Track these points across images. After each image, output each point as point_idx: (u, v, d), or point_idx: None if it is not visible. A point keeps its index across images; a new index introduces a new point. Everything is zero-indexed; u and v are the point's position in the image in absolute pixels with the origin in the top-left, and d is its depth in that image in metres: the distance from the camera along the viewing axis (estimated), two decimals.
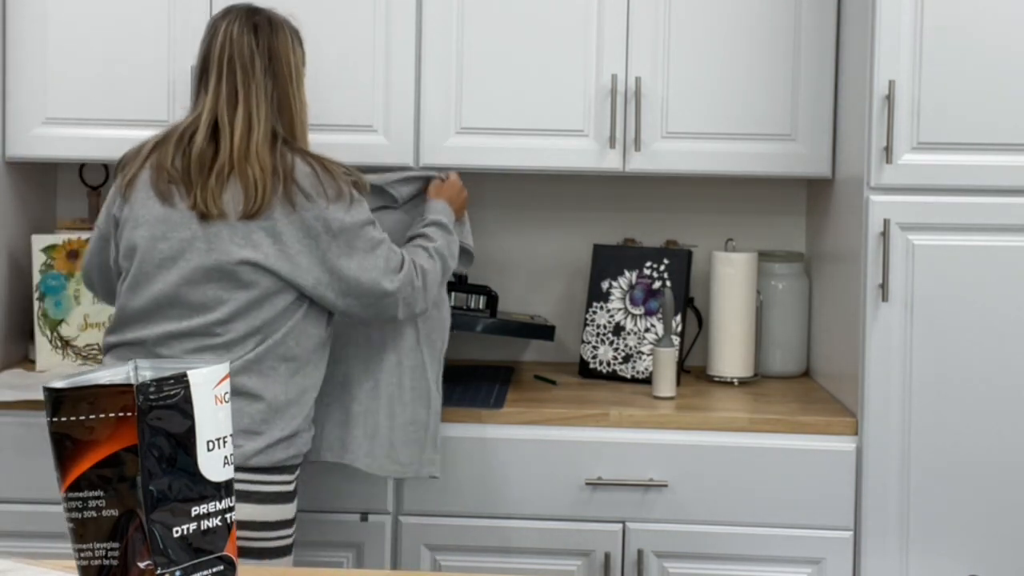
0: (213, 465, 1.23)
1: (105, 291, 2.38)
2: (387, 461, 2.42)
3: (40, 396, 1.20)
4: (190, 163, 2.16)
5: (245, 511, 2.09)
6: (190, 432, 1.21)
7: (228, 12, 2.27)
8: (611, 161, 2.78)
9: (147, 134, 2.80)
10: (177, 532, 1.20)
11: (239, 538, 2.09)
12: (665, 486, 2.53)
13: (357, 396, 2.42)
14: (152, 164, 2.20)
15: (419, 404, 2.43)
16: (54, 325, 2.88)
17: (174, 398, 1.20)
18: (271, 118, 2.19)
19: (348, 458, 2.42)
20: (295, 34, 2.30)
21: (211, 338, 2.14)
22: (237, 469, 2.08)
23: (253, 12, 2.26)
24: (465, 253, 2.56)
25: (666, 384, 2.70)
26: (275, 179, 2.13)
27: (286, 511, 2.20)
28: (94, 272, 2.38)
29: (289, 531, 2.22)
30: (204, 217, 2.13)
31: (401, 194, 2.55)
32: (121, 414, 1.18)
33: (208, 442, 1.23)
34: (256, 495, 2.14)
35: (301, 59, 2.30)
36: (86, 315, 2.90)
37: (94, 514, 1.19)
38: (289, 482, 2.21)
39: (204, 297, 2.14)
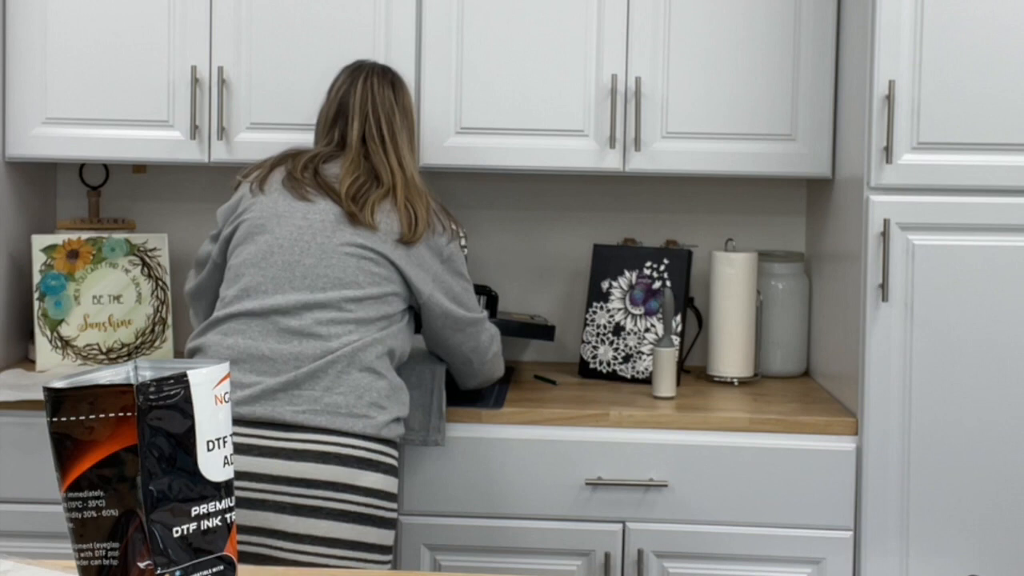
0: (213, 465, 1.23)
1: (204, 293, 2.49)
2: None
3: (40, 396, 1.20)
4: (328, 178, 2.34)
5: (376, 480, 2.20)
6: (190, 432, 1.21)
7: (361, 67, 2.49)
8: (611, 161, 2.78)
9: (147, 134, 2.81)
10: (177, 532, 1.20)
11: (371, 506, 2.16)
12: (665, 486, 2.53)
13: None
14: (282, 171, 2.38)
15: (424, 370, 2.49)
16: (54, 325, 2.88)
17: (174, 398, 1.20)
18: (412, 162, 2.43)
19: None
20: (410, 92, 2.54)
21: (343, 312, 2.24)
22: (370, 439, 2.21)
23: (387, 70, 2.50)
24: None
25: (666, 384, 2.70)
26: (427, 214, 2.35)
27: (396, 485, 2.29)
28: (204, 293, 2.48)
29: (396, 504, 2.30)
30: (352, 218, 2.29)
31: None
32: (121, 414, 1.18)
33: (208, 442, 1.23)
34: (384, 465, 2.23)
35: (416, 116, 2.59)
36: (86, 315, 2.90)
37: (94, 514, 1.19)
38: (398, 457, 2.31)
39: (343, 272, 2.26)
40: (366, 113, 2.41)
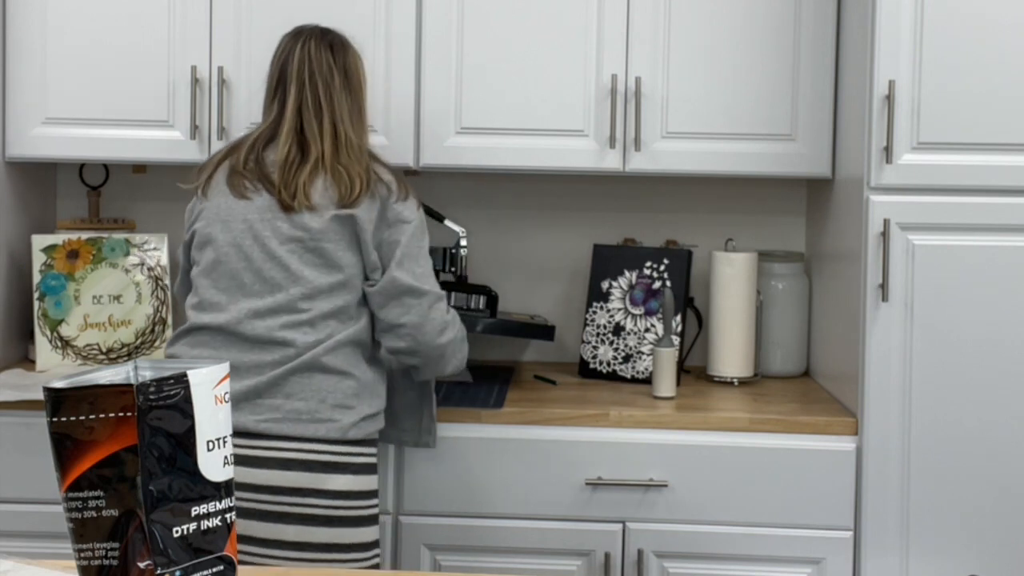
0: (213, 465, 1.23)
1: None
2: (390, 428, 2.47)
3: (40, 396, 1.20)
4: (266, 165, 2.29)
5: (344, 482, 2.20)
6: (190, 432, 1.21)
7: (301, 32, 2.41)
8: (611, 161, 2.78)
9: (147, 134, 2.81)
10: (177, 532, 1.20)
11: (340, 508, 2.16)
12: (665, 486, 2.53)
13: None
14: (226, 167, 2.34)
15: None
16: (54, 325, 2.88)
17: (174, 398, 1.20)
18: (351, 125, 2.34)
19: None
20: (358, 56, 2.44)
21: (298, 314, 2.22)
22: (335, 442, 2.19)
23: (326, 32, 2.41)
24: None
25: (666, 384, 2.70)
26: (367, 175, 2.28)
27: (373, 482, 2.29)
28: (182, 287, 2.46)
29: (376, 501, 2.30)
30: (287, 208, 2.24)
31: None
32: (121, 414, 1.18)
33: (208, 442, 1.23)
34: (353, 466, 2.23)
35: (366, 77, 2.45)
36: (86, 315, 2.90)
37: (94, 514, 1.19)
38: (374, 454, 2.30)
39: (287, 271, 2.23)
40: (303, 80, 2.34)
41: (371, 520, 2.27)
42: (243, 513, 2.14)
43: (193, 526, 1.21)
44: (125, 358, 2.91)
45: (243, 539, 2.14)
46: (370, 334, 2.30)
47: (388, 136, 2.79)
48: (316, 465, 2.18)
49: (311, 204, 2.24)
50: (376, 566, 2.28)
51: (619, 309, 2.93)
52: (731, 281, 2.88)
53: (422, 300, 2.28)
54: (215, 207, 2.30)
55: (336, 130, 2.31)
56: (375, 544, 2.28)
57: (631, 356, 2.89)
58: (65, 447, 1.19)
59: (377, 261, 2.28)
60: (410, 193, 2.33)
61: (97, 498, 1.19)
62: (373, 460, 2.29)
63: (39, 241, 2.90)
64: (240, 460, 2.14)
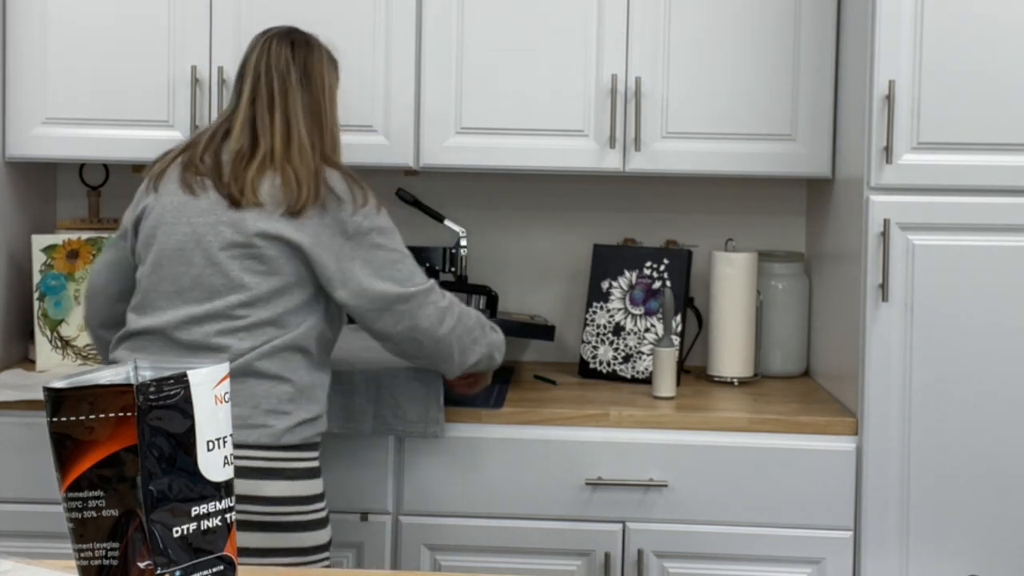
0: (213, 465, 1.23)
1: (97, 294, 2.41)
2: (395, 420, 2.47)
3: (40, 396, 1.20)
4: (221, 159, 2.24)
5: (280, 487, 2.18)
6: (190, 432, 1.21)
7: (269, 30, 2.37)
8: (611, 161, 2.78)
9: (147, 134, 2.81)
10: (177, 532, 1.20)
11: (277, 514, 2.14)
12: (665, 486, 2.53)
13: (355, 365, 2.50)
14: (181, 161, 2.28)
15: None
16: (54, 325, 2.88)
17: (174, 398, 1.20)
18: (308, 127, 2.27)
19: (351, 427, 2.50)
20: (330, 58, 2.39)
21: (233, 320, 2.18)
22: (268, 448, 2.15)
23: (292, 31, 2.37)
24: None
25: (666, 384, 2.70)
26: (315, 180, 2.21)
27: (316, 486, 2.26)
28: (100, 272, 2.41)
29: (322, 504, 2.27)
30: (234, 203, 2.19)
31: None
32: (121, 414, 1.18)
33: (208, 442, 1.23)
34: (288, 471, 2.20)
35: (335, 81, 2.39)
36: None
37: (94, 514, 1.19)
38: (315, 458, 2.27)
39: (227, 278, 2.18)
40: (259, 73, 2.29)
41: (315, 524, 2.23)
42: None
43: (193, 526, 1.21)
44: None
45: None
46: (314, 338, 2.23)
47: (388, 136, 2.79)
48: (250, 471, 2.14)
49: (258, 200, 2.18)
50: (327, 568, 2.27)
51: (619, 309, 2.93)
52: (731, 281, 2.88)
53: (410, 302, 2.24)
54: (162, 207, 2.24)
55: (289, 127, 2.25)
56: (322, 548, 2.24)
57: (631, 356, 2.89)
58: (65, 447, 1.19)
59: (339, 275, 2.20)
60: (368, 198, 2.25)
61: (97, 498, 1.19)
62: (313, 464, 2.24)
63: (39, 241, 2.90)
64: None
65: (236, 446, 2.09)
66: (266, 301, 2.19)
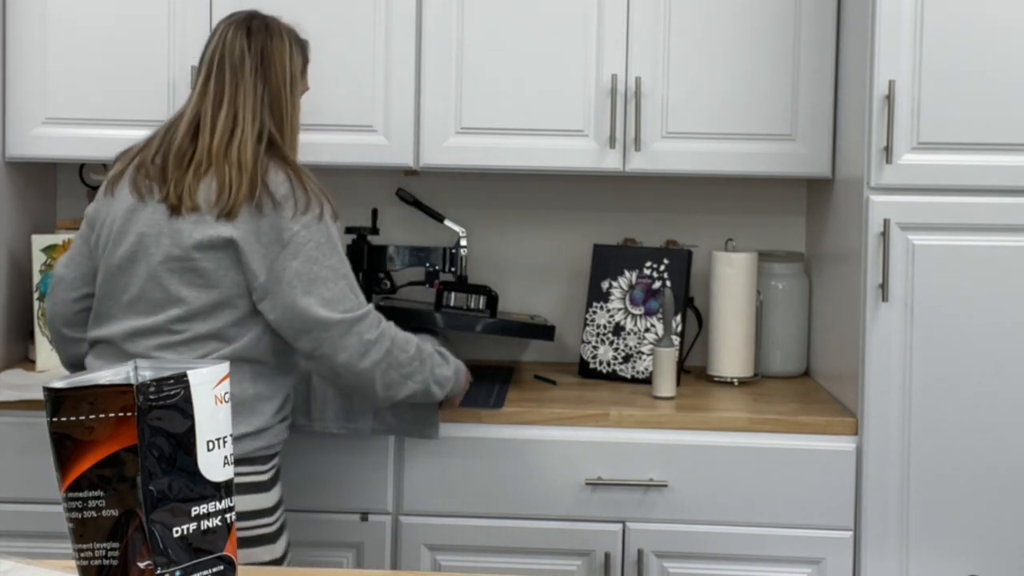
0: (213, 465, 1.23)
1: (64, 287, 2.30)
2: (395, 420, 2.46)
3: (40, 396, 1.20)
4: (168, 159, 2.15)
5: None
6: (190, 432, 1.21)
7: (230, 16, 2.27)
8: (611, 161, 2.78)
9: (147, 134, 2.81)
10: (177, 532, 1.20)
11: None
12: (665, 486, 2.53)
13: None
14: (136, 162, 2.20)
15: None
16: None
17: (174, 398, 1.20)
18: (260, 119, 2.16)
19: (351, 427, 2.49)
20: (295, 42, 2.28)
21: (172, 335, 2.11)
22: None
23: (252, 17, 2.25)
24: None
25: (666, 384, 2.70)
26: (250, 181, 2.09)
27: (262, 500, 2.17)
28: (68, 264, 2.31)
29: (270, 519, 2.19)
30: (174, 210, 2.10)
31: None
32: (121, 414, 1.18)
33: (208, 442, 1.23)
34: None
35: (299, 66, 2.27)
36: None
37: (94, 514, 1.19)
38: (262, 472, 2.17)
39: (166, 292, 2.11)
40: (211, 66, 2.18)
41: (261, 540, 2.15)
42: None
43: (193, 526, 1.21)
44: None
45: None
46: (265, 348, 2.14)
47: (388, 136, 2.79)
48: None
49: (195, 205, 2.09)
50: None
51: (619, 309, 2.93)
52: (731, 281, 2.88)
53: (332, 330, 2.10)
54: (115, 214, 2.17)
55: (235, 123, 2.13)
56: (275, 563, 2.17)
57: (631, 356, 2.89)
58: (65, 447, 1.19)
59: (267, 285, 2.09)
60: (312, 205, 2.11)
61: (97, 498, 1.19)
62: (259, 478, 2.15)
63: (39, 241, 2.90)
64: None
65: None
66: (205, 315, 2.11)
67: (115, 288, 2.17)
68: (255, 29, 2.21)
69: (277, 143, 2.18)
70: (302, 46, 2.31)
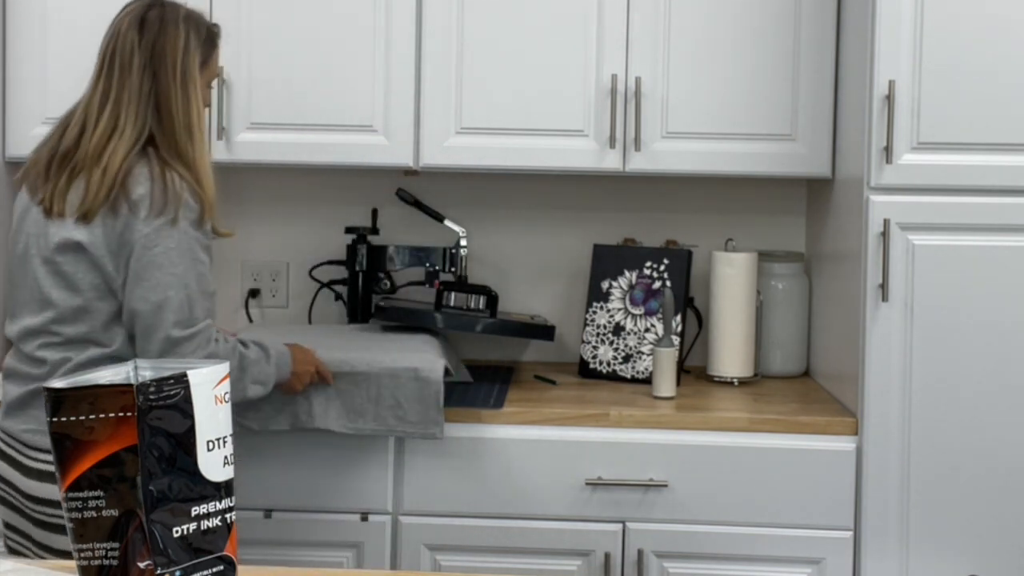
0: (213, 465, 1.23)
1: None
2: (396, 421, 2.46)
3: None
4: (54, 159, 2.11)
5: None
6: (190, 432, 1.21)
7: (129, 4, 2.18)
8: (611, 161, 2.78)
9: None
10: (177, 532, 1.20)
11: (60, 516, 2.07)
12: (665, 486, 2.53)
13: (356, 366, 2.48)
14: (33, 159, 2.17)
15: (423, 363, 2.48)
16: None
17: (174, 398, 1.20)
18: (144, 118, 2.10)
19: (353, 426, 2.48)
20: (193, 31, 2.16)
21: (52, 336, 2.09)
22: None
23: (149, 7, 2.15)
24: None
25: (666, 384, 2.70)
26: (110, 185, 2.04)
27: None
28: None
29: None
30: (47, 213, 2.08)
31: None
32: (121, 414, 1.18)
33: (208, 442, 1.23)
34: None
35: (195, 59, 2.15)
36: None
37: (94, 514, 1.19)
38: None
39: (42, 294, 2.09)
40: (103, 61, 2.12)
41: None
42: (19, 512, 2.08)
43: (193, 526, 1.21)
44: None
45: (23, 535, 2.10)
46: (143, 354, 2.08)
47: (388, 136, 2.79)
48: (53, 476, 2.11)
49: (62, 210, 2.05)
50: None
51: (619, 309, 2.93)
52: (731, 281, 2.88)
53: (152, 342, 2.04)
54: (16, 211, 2.17)
55: (116, 124, 2.08)
56: None
57: (631, 356, 2.89)
58: (65, 447, 1.19)
59: (122, 287, 2.06)
60: (166, 209, 2.03)
61: (97, 498, 1.19)
62: None
63: None
64: (12, 463, 2.08)
65: (43, 450, 2.02)
66: (72, 319, 2.08)
67: (15, 286, 2.17)
68: (149, 21, 2.12)
69: (158, 143, 2.10)
70: (204, 34, 2.20)
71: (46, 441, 2.08)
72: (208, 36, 2.21)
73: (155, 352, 2.05)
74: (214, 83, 2.28)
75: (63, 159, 2.10)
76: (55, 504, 2.02)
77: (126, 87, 2.09)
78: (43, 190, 2.10)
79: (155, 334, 2.03)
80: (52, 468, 2.06)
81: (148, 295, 2.03)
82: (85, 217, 2.03)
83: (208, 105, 2.26)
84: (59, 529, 2.05)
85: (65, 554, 2.09)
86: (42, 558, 2.08)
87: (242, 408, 2.41)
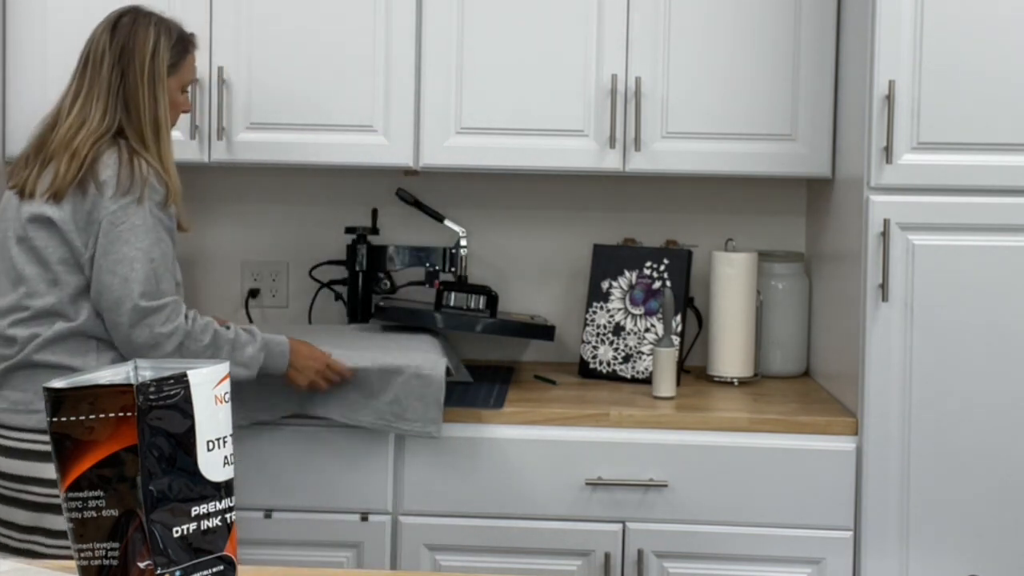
0: (213, 465, 1.23)
1: None
2: (395, 419, 2.47)
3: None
4: (30, 149, 2.28)
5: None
6: (190, 432, 1.21)
7: (112, 12, 2.32)
8: (611, 161, 2.78)
9: None
10: (177, 532, 1.20)
11: (53, 496, 2.10)
12: (665, 486, 2.53)
13: (357, 363, 2.48)
14: (19, 155, 2.33)
15: (424, 360, 2.48)
16: None
17: (174, 398, 1.20)
18: (112, 113, 2.23)
19: (352, 417, 2.49)
20: (164, 36, 2.29)
21: (21, 312, 2.21)
22: (46, 432, 2.05)
23: (124, 13, 2.31)
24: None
25: (666, 384, 2.70)
26: (79, 166, 2.17)
27: None
28: None
29: None
30: (21, 196, 2.22)
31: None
32: (121, 414, 1.18)
33: (208, 442, 1.23)
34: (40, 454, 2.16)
35: (164, 61, 2.28)
36: None
37: (94, 514, 1.19)
38: None
39: (15, 271, 2.21)
40: (79, 62, 2.28)
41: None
42: None
43: (193, 526, 1.21)
44: None
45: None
46: (101, 327, 2.19)
47: (388, 136, 2.79)
48: (32, 454, 2.15)
49: (33, 192, 2.20)
50: None
51: (619, 309, 2.93)
52: (731, 281, 2.88)
53: (123, 316, 2.14)
54: (3, 197, 2.31)
55: (85, 118, 2.22)
56: None
57: (631, 356, 2.89)
58: (65, 447, 1.19)
59: (89, 261, 2.17)
60: (132, 188, 2.15)
61: (97, 498, 1.19)
62: None
63: None
64: None
65: (20, 429, 2.15)
66: (43, 292, 2.19)
67: None
68: (121, 26, 2.27)
69: (127, 135, 2.23)
70: (175, 39, 2.31)
71: (17, 420, 2.16)
72: (179, 41, 2.33)
73: (125, 324, 2.15)
74: (203, 87, 2.42)
75: (37, 150, 2.25)
76: (22, 480, 2.15)
77: (96, 84, 2.24)
78: (18, 177, 2.25)
79: (123, 305, 2.14)
80: (23, 446, 2.16)
81: (115, 268, 2.14)
82: (55, 196, 2.17)
83: (188, 110, 2.43)
84: (17, 503, 2.17)
85: (23, 528, 2.16)
86: (6, 536, 2.18)
87: (244, 396, 2.44)
